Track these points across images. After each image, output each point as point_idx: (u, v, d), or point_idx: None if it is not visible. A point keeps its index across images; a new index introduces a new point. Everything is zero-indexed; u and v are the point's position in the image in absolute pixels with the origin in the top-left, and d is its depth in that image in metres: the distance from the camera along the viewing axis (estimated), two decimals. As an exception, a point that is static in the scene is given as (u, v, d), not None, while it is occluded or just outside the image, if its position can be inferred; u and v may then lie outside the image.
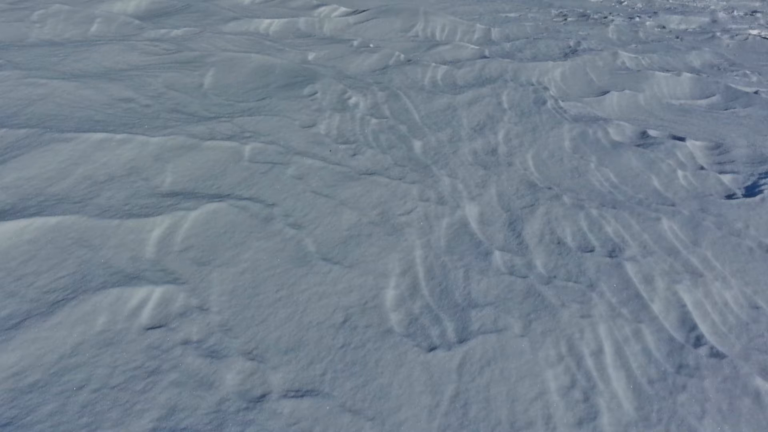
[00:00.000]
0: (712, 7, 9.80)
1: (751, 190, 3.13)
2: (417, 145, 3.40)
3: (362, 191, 2.78)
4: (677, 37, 7.27)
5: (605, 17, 8.31)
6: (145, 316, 1.86)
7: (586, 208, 2.79)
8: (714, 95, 4.85)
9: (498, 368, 1.85)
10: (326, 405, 1.66)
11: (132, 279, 1.99)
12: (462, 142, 3.49)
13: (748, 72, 5.68)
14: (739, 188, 3.17)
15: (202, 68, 4.16)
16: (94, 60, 4.06)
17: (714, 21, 8.53)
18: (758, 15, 9.06)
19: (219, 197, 2.56)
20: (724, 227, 2.72)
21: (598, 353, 1.95)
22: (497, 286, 2.23)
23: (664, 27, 7.97)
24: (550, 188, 3.00)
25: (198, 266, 2.14)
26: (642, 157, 3.43)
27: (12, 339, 1.68)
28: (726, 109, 4.55)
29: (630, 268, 2.37)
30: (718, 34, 7.41)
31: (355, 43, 5.55)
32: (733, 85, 5.00)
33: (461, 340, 1.94)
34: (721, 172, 3.34)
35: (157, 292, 1.95)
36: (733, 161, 3.52)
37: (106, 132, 2.87)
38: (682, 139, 3.69)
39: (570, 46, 6.24)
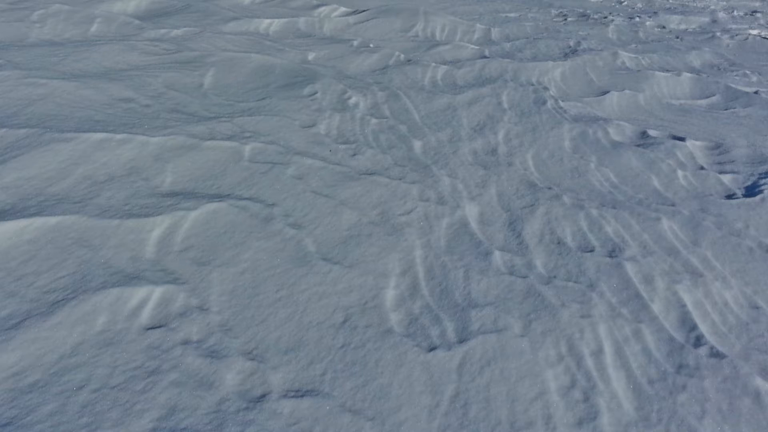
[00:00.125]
0: (712, 7, 9.80)
1: (751, 190, 3.13)
2: (417, 145, 3.40)
3: (362, 191, 2.78)
4: (677, 37, 7.27)
5: (605, 17, 8.32)
6: (145, 316, 1.86)
7: (586, 208, 2.79)
8: (714, 95, 4.85)
9: (498, 368, 1.85)
10: (326, 405, 1.66)
11: (132, 279, 1.99)
12: (462, 142, 3.49)
13: (748, 72, 5.68)
14: (739, 188, 3.17)
15: (202, 68, 4.16)
16: (94, 60, 4.06)
17: (714, 21, 8.53)
18: (758, 15, 9.06)
19: (219, 197, 2.56)
20: (724, 227, 2.72)
21: (598, 353, 1.95)
22: (497, 286, 2.23)
23: (664, 27, 7.97)
24: (550, 188, 3.00)
25: (198, 266, 2.14)
26: (642, 157, 3.43)
27: (12, 339, 1.68)
28: (726, 109, 4.55)
29: (630, 268, 2.37)
30: (718, 34, 7.41)
31: (355, 43, 5.55)
32: (733, 85, 5.00)
33: (461, 340, 1.94)
34: (721, 172, 3.34)
35: (157, 292, 1.95)
36: (733, 161, 3.52)
37: (106, 132, 2.87)
38: (682, 139, 3.69)
39: (570, 46, 6.24)
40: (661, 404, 1.79)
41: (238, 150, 2.98)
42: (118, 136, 2.85)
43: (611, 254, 2.47)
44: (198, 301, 1.97)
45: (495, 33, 6.78)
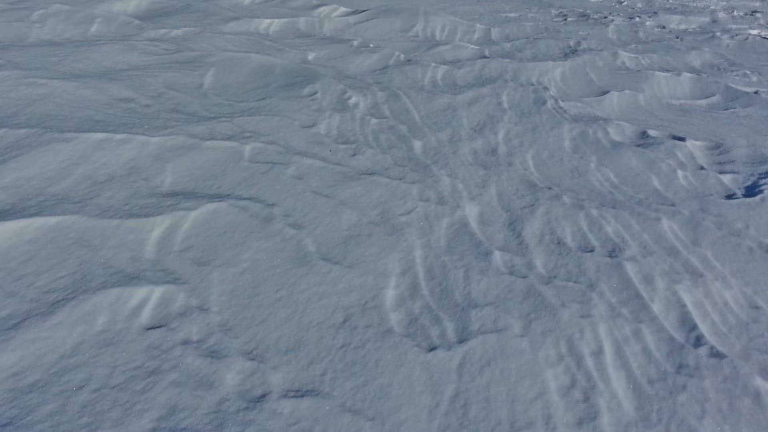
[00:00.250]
0: (712, 7, 9.80)
1: (751, 190, 3.13)
2: (417, 145, 3.40)
3: (362, 191, 2.78)
4: (677, 37, 7.27)
5: (605, 17, 8.31)
6: (145, 316, 1.86)
7: (586, 208, 2.79)
8: (714, 95, 4.85)
9: (498, 368, 1.85)
10: (326, 405, 1.66)
11: (132, 279, 1.99)
12: (462, 142, 3.49)
13: (748, 72, 5.68)
14: (739, 188, 3.17)
15: (202, 68, 4.16)
16: (94, 60, 4.06)
17: (714, 21, 8.53)
18: (758, 15, 9.06)
19: (219, 197, 2.56)
20: (724, 227, 2.72)
21: (598, 353, 1.95)
22: (497, 286, 2.23)
23: (664, 27, 7.97)
24: (550, 188, 3.00)
25: (198, 266, 2.14)
26: (642, 157, 3.43)
27: (12, 339, 1.68)
28: (726, 109, 4.55)
29: (630, 268, 2.37)
30: (718, 34, 7.41)
31: (355, 43, 5.55)
32: (733, 85, 5.00)
33: (461, 340, 1.94)
34: (721, 172, 3.34)
35: (157, 292, 1.95)
36: (733, 161, 3.52)
37: (106, 132, 2.87)
38: (682, 139, 3.69)
39: (570, 46, 6.24)
40: (661, 404, 1.79)
41: (238, 150, 2.98)
42: (118, 136, 2.85)
43: (611, 254, 2.47)
44: (198, 301, 1.97)
45: (495, 33, 6.78)
